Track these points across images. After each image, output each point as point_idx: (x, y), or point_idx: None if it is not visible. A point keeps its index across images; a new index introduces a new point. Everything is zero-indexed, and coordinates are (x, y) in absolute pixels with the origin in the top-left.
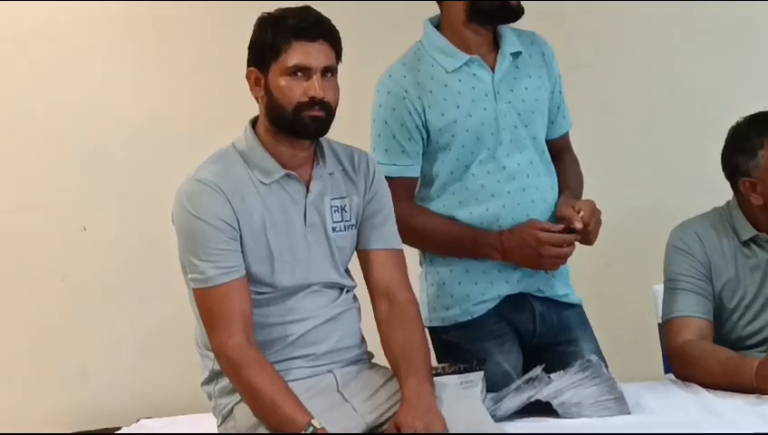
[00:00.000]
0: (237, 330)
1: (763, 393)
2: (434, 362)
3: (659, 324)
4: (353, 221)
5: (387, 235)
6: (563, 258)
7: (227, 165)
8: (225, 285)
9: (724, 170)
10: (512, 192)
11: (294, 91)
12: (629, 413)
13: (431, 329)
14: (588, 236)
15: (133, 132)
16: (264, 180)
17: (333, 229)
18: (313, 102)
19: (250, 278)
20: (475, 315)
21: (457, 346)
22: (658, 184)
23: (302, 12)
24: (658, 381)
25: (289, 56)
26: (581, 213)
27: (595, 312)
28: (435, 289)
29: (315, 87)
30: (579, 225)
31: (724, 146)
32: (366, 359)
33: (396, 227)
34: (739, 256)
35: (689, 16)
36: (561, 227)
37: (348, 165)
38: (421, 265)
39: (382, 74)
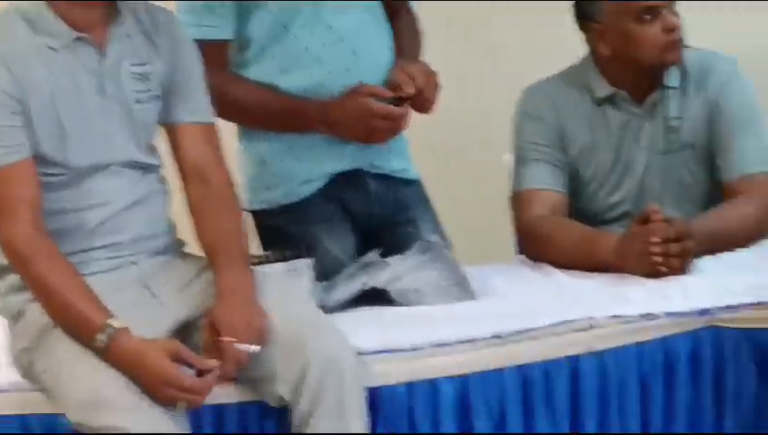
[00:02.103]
0: (25, 218)
1: (623, 271)
2: (257, 251)
3: (509, 199)
4: (157, 91)
5: (196, 106)
6: (396, 130)
7: (6, 30)
8: (9, 167)
9: (575, 20)
10: (339, 56)
11: None
12: (474, 299)
13: (253, 213)
14: (424, 104)
15: None
16: (52, 45)
17: (135, 100)
18: None
19: (38, 159)
20: (302, 196)
21: (282, 231)
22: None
23: None
24: (508, 262)
25: None
26: (415, 77)
27: (437, 187)
28: (254, 168)
29: None
30: (411, 90)
31: None
32: (176, 248)
33: (207, 97)
34: (595, 118)
35: None
36: (392, 93)
37: (149, 26)
38: (239, 140)
39: None
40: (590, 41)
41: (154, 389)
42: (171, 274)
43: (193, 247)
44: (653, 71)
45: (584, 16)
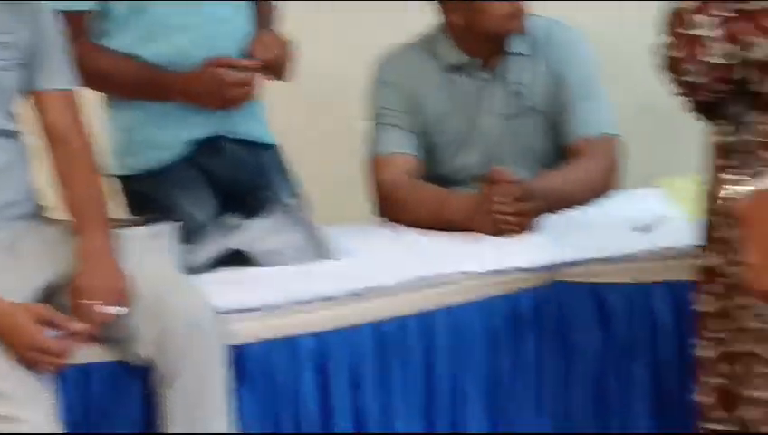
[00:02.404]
0: None
1: (472, 230)
2: (124, 215)
3: (366, 162)
4: (19, 58)
5: (57, 74)
6: (247, 96)
7: None
8: None
9: None
10: (199, 25)
11: None
12: (331, 258)
13: (119, 178)
14: (279, 72)
15: None
16: None
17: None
18: None
19: None
20: (164, 162)
21: (147, 196)
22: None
23: None
24: (365, 223)
25: None
26: (268, 45)
27: (296, 151)
28: (120, 135)
29: None
30: (268, 55)
31: None
32: (39, 213)
33: (68, 65)
34: (447, 85)
35: None
36: (246, 62)
37: None
38: (105, 108)
39: None
40: (442, 12)
41: (19, 351)
42: (35, 238)
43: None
44: (499, 39)
45: None
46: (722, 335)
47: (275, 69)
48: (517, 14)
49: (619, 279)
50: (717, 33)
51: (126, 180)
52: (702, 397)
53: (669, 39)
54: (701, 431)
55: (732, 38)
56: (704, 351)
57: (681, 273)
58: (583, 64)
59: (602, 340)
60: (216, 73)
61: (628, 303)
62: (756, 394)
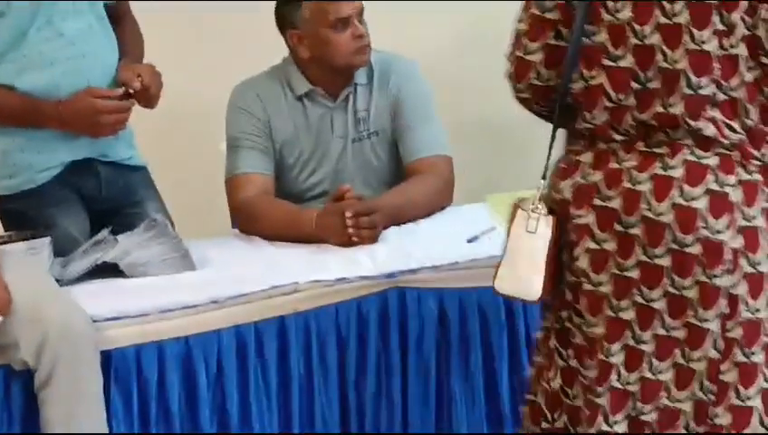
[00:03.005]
0: None
1: (322, 242)
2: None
3: (225, 182)
4: None
5: None
6: (121, 123)
7: None
8: None
9: (276, 25)
10: (70, 58)
11: None
12: (194, 269)
13: None
14: (149, 100)
15: None
16: None
17: None
18: None
19: None
20: (39, 183)
21: (23, 214)
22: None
23: None
24: (224, 236)
25: None
26: (141, 76)
27: (162, 173)
28: None
29: None
30: (137, 85)
31: (277, 3)
32: None
33: None
34: (296, 111)
35: None
36: (119, 92)
37: None
38: None
39: None
40: (290, 44)
41: None
42: None
43: None
44: (345, 71)
45: (285, 24)
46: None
47: (145, 97)
48: (362, 51)
49: (452, 284)
50: (539, 57)
51: (3, 200)
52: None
53: (509, 57)
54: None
55: (552, 65)
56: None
57: None
58: (419, 93)
59: (438, 339)
60: (90, 102)
61: (461, 305)
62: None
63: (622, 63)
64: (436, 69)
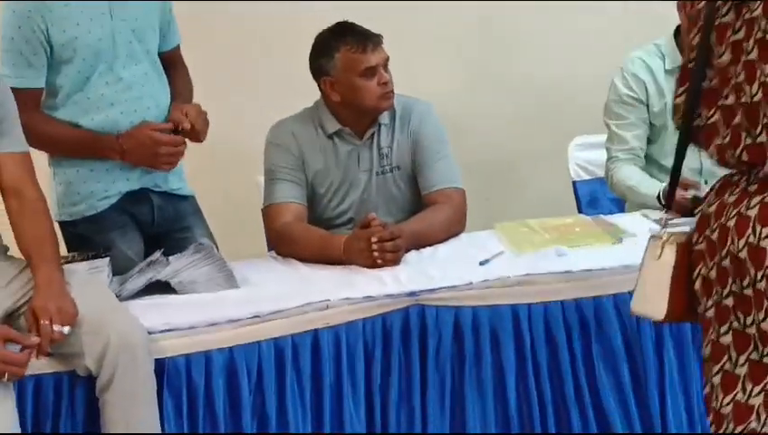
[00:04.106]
0: None
1: (350, 264)
2: (65, 253)
3: (262, 211)
4: None
5: (12, 139)
6: (177, 156)
7: None
8: None
9: (311, 73)
10: (128, 100)
11: None
12: (238, 287)
13: (61, 223)
14: (197, 136)
15: None
16: None
17: None
18: None
19: None
20: (100, 210)
21: (85, 238)
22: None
23: None
24: (263, 259)
25: None
26: (189, 114)
27: (206, 202)
28: (63, 187)
29: None
30: (186, 125)
31: (311, 51)
32: (2, 252)
33: (21, 131)
34: (327, 148)
35: None
36: (170, 126)
37: None
38: (50, 166)
39: None
40: (323, 89)
41: None
42: None
43: (16, 252)
44: (372, 114)
45: (319, 71)
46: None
47: (194, 133)
48: (388, 96)
49: (466, 303)
50: None
51: (67, 224)
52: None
53: None
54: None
55: None
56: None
57: (515, 298)
58: (435, 132)
59: (453, 351)
60: (149, 135)
61: (474, 322)
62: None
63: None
64: (448, 109)
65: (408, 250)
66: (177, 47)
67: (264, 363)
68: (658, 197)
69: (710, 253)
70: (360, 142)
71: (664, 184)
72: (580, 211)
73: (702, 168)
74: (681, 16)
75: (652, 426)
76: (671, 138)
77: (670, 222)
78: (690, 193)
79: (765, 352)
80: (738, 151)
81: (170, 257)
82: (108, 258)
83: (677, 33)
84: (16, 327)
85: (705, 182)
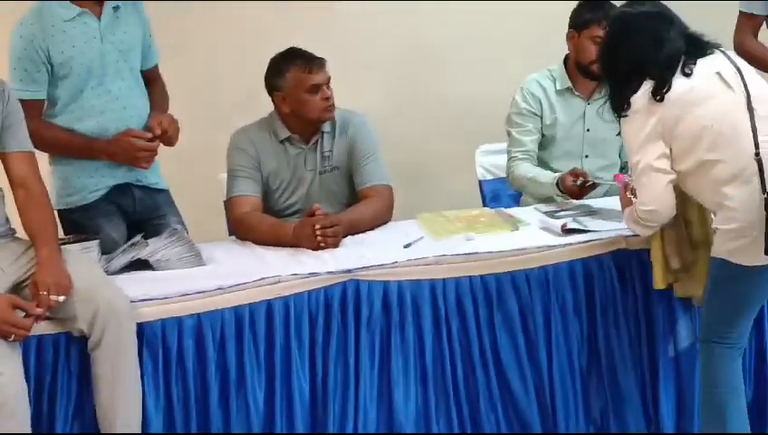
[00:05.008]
0: None
1: (298, 246)
2: (62, 235)
3: (224, 202)
4: None
5: (20, 141)
6: (152, 159)
7: None
8: None
9: (266, 89)
10: (115, 109)
11: None
12: (204, 265)
13: (59, 211)
14: (170, 141)
15: None
16: None
17: None
18: None
19: None
20: (91, 200)
21: (79, 223)
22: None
23: None
24: (225, 241)
25: None
26: (162, 123)
27: (178, 194)
28: (61, 182)
29: None
30: (158, 131)
31: (266, 70)
32: (10, 234)
33: (27, 134)
34: (279, 151)
35: None
36: (148, 135)
37: None
38: (50, 164)
39: (16, 24)
40: (275, 102)
41: None
42: (8, 251)
43: (22, 234)
44: (316, 123)
45: (272, 87)
46: None
47: (167, 139)
48: (329, 108)
49: (392, 278)
50: None
51: (64, 212)
52: None
53: None
54: None
55: None
56: None
57: (432, 274)
58: (368, 139)
59: (382, 318)
60: (130, 141)
61: (399, 294)
62: None
63: None
64: (379, 120)
65: (345, 235)
66: (156, 66)
67: (226, 328)
68: (556, 184)
69: None
70: (306, 147)
71: (558, 174)
72: (484, 205)
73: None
74: (569, 45)
75: (541, 380)
76: (559, 145)
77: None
78: (579, 181)
79: None
80: None
81: (149, 240)
82: (97, 240)
83: (566, 60)
84: (23, 296)
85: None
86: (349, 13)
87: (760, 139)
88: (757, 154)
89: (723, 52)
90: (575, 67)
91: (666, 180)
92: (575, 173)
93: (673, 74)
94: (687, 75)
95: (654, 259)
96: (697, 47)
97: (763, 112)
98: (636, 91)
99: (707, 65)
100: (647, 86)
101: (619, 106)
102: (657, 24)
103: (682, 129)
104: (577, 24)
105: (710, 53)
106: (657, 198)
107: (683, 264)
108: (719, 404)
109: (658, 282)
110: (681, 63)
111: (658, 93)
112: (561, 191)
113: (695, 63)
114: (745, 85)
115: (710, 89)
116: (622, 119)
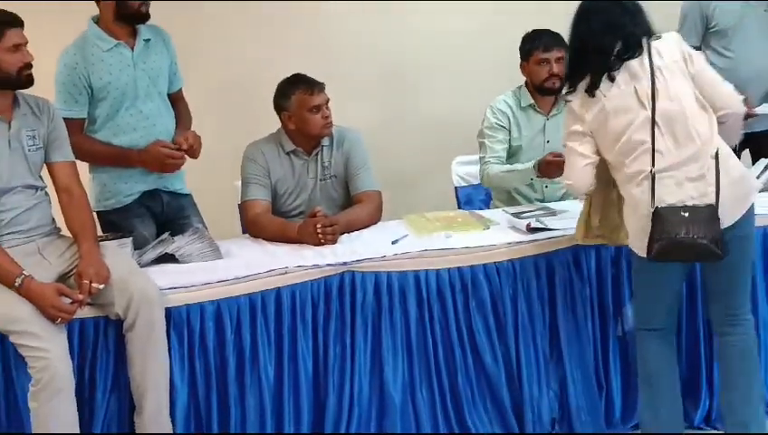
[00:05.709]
0: None
1: (302, 243)
2: (101, 233)
3: (239, 205)
4: (41, 144)
5: (64, 152)
6: (179, 167)
7: None
8: None
9: (274, 108)
10: (146, 127)
11: (15, 59)
12: (222, 258)
13: (98, 212)
14: (193, 153)
15: None
16: None
17: (28, 150)
18: (29, 66)
19: None
20: (125, 203)
21: (115, 223)
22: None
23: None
24: (240, 238)
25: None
26: (189, 138)
27: (200, 198)
28: (99, 187)
29: (28, 56)
30: (185, 145)
31: (275, 93)
32: (56, 232)
33: (70, 147)
34: (285, 162)
35: None
36: (176, 146)
37: (35, 109)
38: (90, 172)
39: (61, 52)
40: (282, 120)
41: (45, 310)
42: (54, 246)
43: (66, 232)
44: (316, 138)
45: (280, 107)
46: None
47: (191, 152)
48: (328, 126)
49: (382, 269)
50: None
51: (102, 213)
52: None
53: None
54: None
55: None
56: None
57: (416, 266)
58: (361, 152)
59: (373, 303)
60: (159, 151)
61: (388, 283)
62: None
63: None
64: (370, 135)
65: (342, 233)
66: (180, 89)
67: (242, 312)
68: (535, 166)
69: None
70: (308, 158)
71: (534, 160)
72: (459, 207)
73: (543, 195)
74: (524, 74)
75: (509, 356)
76: (524, 154)
77: None
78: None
79: None
80: None
81: (175, 237)
82: (131, 238)
83: (527, 83)
84: (68, 285)
85: (542, 200)
86: (346, 46)
87: (656, 156)
88: (652, 169)
89: (650, 48)
90: (533, 89)
91: (583, 163)
92: (554, 154)
93: (604, 69)
94: (612, 80)
95: (579, 216)
96: (628, 47)
97: (665, 130)
98: (583, 74)
99: (629, 78)
100: (583, 84)
101: (569, 83)
102: (614, 10)
103: (602, 133)
104: (522, 54)
105: (638, 55)
106: (574, 176)
107: (607, 225)
108: (652, 384)
109: (578, 237)
110: (611, 60)
111: (591, 92)
112: (538, 174)
113: (620, 68)
114: (654, 102)
115: (626, 102)
116: (565, 104)
